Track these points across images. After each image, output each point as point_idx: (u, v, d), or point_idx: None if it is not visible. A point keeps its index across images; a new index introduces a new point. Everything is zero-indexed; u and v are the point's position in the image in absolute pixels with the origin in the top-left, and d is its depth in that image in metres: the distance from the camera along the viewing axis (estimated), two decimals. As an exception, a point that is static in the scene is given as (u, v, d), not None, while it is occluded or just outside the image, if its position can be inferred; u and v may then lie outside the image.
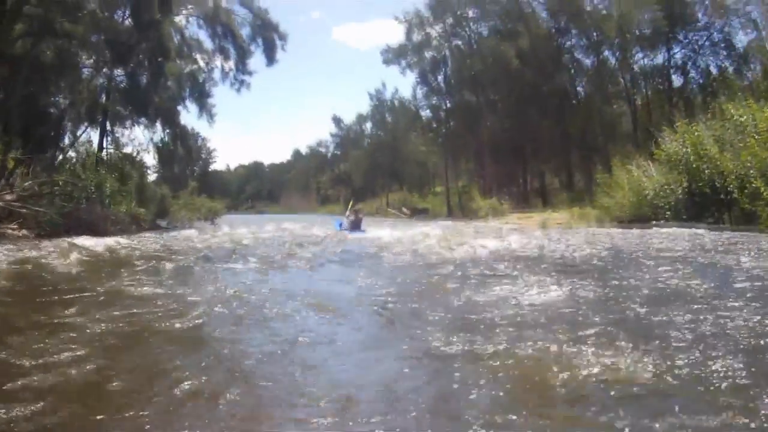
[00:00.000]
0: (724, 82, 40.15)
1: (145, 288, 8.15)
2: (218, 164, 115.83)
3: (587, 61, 52.07)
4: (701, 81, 47.04)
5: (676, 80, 49.16)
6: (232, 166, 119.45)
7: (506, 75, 51.29)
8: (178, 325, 5.77)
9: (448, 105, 58.50)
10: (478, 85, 54.43)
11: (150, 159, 40.54)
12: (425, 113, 63.75)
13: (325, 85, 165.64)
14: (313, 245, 17.31)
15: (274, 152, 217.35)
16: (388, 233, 21.58)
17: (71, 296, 7.43)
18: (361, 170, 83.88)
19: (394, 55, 58.13)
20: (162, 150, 39.66)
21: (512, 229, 24.79)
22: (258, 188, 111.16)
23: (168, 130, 39.07)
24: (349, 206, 29.95)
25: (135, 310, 6.42)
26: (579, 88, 53.47)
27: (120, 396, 3.83)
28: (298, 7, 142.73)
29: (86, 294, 7.70)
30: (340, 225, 25.68)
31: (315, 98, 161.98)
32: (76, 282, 9.28)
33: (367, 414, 3.46)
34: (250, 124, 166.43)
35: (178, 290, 7.96)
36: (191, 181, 68.74)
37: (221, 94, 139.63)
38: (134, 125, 37.11)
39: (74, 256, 12.81)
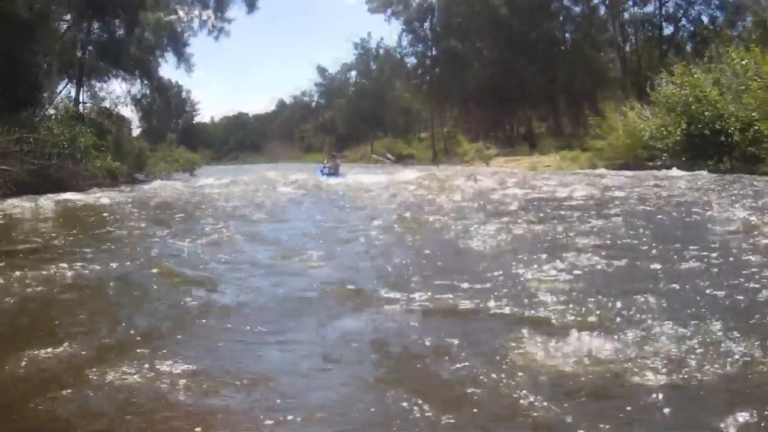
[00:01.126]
0: (715, 32, 39.72)
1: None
2: (203, 117, 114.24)
3: (576, 9, 51.34)
4: (692, 30, 46.70)
5: (667, 29, 48.59)
6: (217, 119, 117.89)
7: (493, 22, 50.29)
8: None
9: (434, 52, 57.32)
10: (464, 33, 53.37)
11: (128, 112, 39.65)
12: (410, 60, 62.59)
13: (310, 38, 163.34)
14: (287, 191, 17.31)
15: (259, 103, 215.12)
16: (369, 178, 21.31)
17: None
18: (345, 118, 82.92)
19: (379, 3, 56.65)
20: (140, 103, 38.72)
21: (494, 173, 24.22)
22: (242, 139, 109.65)
23: (146, 83, 38.00)
24: (329, 156, 30.50)
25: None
26: (567, 35, 52.66)
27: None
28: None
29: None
30: (321, 172, 26.25)
31: (300, 50, 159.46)
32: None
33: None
34: (236, 76, 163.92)
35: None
36: (170, 133, 67.65)
37: (206, 48, 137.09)
38: (110, 78, 35.95)
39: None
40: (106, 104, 35.95)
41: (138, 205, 14.39)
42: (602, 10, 49.80)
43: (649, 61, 45.69)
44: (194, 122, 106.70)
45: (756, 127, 18.88)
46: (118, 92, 39.02)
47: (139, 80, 37.60)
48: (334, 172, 25.34)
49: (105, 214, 12.54)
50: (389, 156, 57.82)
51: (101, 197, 16.51)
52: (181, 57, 39.57)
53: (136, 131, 40.66)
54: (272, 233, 8.74)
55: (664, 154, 22.60)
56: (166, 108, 73.14)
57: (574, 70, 47.86)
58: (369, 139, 74.96)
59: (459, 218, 9.05)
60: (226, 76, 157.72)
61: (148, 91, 38.95)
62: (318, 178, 24.60)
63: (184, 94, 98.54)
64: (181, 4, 39.64)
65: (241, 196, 16.33)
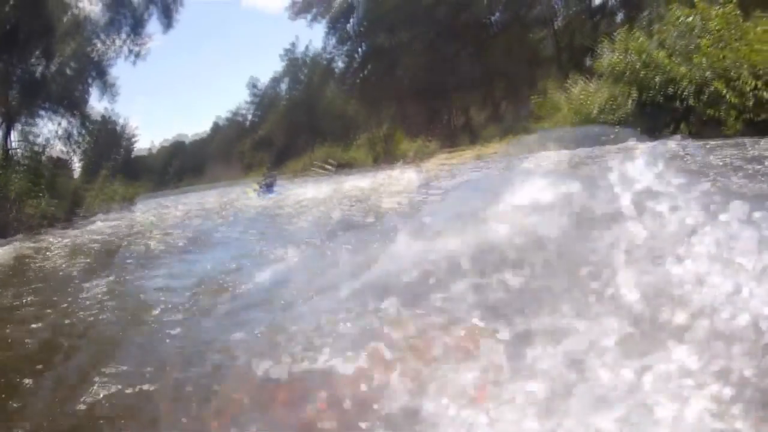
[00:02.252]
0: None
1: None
2: (143, 144, 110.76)
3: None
4: None
5: (596, -1, 47.21)
6: (157, 144, 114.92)
7: (419, 12, 48.69)
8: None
9: (362, 50, 55.57)
10: (390, 27, 51.69)
11: (63, 152, 37.51)
12: (339, 63, 60.83)
13: (240, 54, 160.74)
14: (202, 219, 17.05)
15: (197, 126, 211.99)
16: (301, 192, 20.72)
17: None
18: (281, 132, 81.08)
19: (300, 8, 54.75)
20: (71, 140, 36.53)
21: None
22: (182, 165, 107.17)
23: (73, 118, 35.71)
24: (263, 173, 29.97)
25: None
26: (495, 17, 51.34)
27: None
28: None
29: None
30: (260, 190, 25.85)
31: (232, 67, 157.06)
32: None
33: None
34: (172, 100, 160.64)
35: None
36: (103, 168, 64.75)
37: (145, 73, 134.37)
38: (38, 117, 33.72)
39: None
40: (40, 144, 33.96)
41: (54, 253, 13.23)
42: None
43: (581, 34, 44.89)
44: (133, 153, 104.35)
45: (711, 88, 17.36)
46: (49, 131, 36.71)
47: (67, 116, 35.36)
48: (268, 190, 25.11)
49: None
50: (330, 165, 55.55)
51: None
52: (105, 86, 37.21)
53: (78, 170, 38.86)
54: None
55: (616, 128, 21.02)
56: (96, 142, 70.31)
57: (507, 52, 46.67)
58: (307, 149, 73.04)
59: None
60: (165, 100, 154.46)
61: (76, 127, 36.72)
62: (246, 198, 24.40)
63: (120, 125, 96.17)
64: (95, 31, 37.27)
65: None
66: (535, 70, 46.48)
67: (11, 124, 31.57)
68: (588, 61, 33.80)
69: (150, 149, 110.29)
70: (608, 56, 22.89)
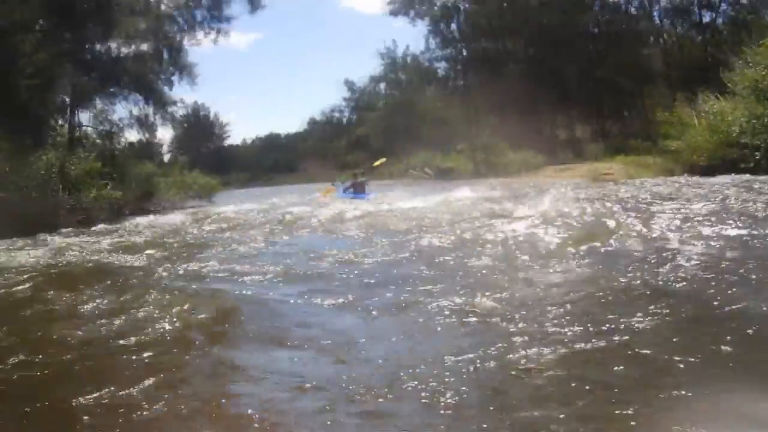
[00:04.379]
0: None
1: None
2: (234, 139, 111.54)
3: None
4: (732, 15, 44.41)
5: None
6: (249, 140, 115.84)
7: (526, 18, 47.06)
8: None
9: (465, 54, 54.02)
10: (495, 32, 50.08)
11: (134, 135, 36.40)
12: (440, 66, 59.31)
13: (336, 53, 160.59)
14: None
15: (290, 123, 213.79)
16: (407, 204, 17.30)
17: None
18: (377, 133, 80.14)
19: (401, 5, 53.53)
20: (146, 125, 35.56)
21: (573, 186, 20.20)
22: (276, 160, 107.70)
23: (148, 103, 34.77)
24: (350, 175, 27.07)
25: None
26: (597, 30, 50.12)
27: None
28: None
29: None
30: (344, 191, 24.07)
31: (327, 66, 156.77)
32: None
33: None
34: (268, 98, 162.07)
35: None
36: (180, 156, 64.79)
37: (237, 71, 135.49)
38: (107, 99, 32.89)
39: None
40: (113, 127, 33.08)
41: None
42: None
43: (690, 51, 43.07)
44: (225, 144, 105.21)
45: None
46: (122, 116, 35.64)
47: (141, 100, 34.56)
48: (358, 192, 23.11)
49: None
50: (428, 171, 54.36)
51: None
52: (182, 69, 36.12)
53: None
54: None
55: (756, 153, 18.99)
56: (185, 131, 70.41)
57: (615, 67, 44.66)
58: (404, 153, 71.97)
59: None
60: (258, 99, 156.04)
61: (154, 112, 35.79)
62: (340, 198, 22.69)
63: (212, 116, 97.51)
64: (169, 7, 36.04)
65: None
66: (643, 87, 44.57)
67: (77, 105, 30.85)
68: (702, 78, 31.82)
69: (242, 143, 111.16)
70: (748, 71, 20.83)
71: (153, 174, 31.73)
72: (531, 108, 48.78)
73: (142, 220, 19.61)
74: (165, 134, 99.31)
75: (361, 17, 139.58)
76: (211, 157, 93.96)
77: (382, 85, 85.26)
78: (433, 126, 73.37)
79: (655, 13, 45.95)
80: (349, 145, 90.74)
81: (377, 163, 29.77)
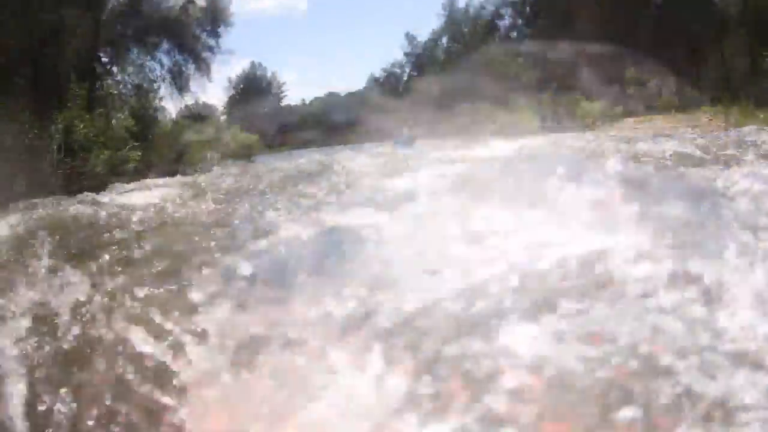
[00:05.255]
0: None
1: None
2: (295, 100, 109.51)
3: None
4: None
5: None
6: (308, 100, 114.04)
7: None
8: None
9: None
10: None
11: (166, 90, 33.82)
12: (504, 19, 55.83)
13: (396, 8, 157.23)
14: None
15: (352, 81, 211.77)
16: (449, 153, 14.88)
17: None
18: (439, 90, 78.08)
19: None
20: (179, 76, 33.04)
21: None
22: (335, 119, 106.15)
23: (182, 54, 32.25)
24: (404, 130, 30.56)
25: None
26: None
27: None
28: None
29: None
30: (396, 144, 27.27)
31: (388, 21, 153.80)
32: None
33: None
34: (325, 57, 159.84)
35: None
36: (219, 112, 61.72)
37: (293, 32, 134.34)
38: (135, 51, 30.43)
39: None
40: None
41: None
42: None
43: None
44: (282, 105, 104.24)
45: None
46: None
47: (174, 51, 32.10)
48: (407, 144, 26.50)
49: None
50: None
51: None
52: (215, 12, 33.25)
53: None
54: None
55: None
56: (241, 90, 67.62)
57: (690, 14, 40.97)
58: (465, 109, 69.19)
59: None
60: (318, 59, 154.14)
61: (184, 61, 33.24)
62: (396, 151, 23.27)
63: (269, 75, 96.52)
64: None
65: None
66: (720, 36, 40.93)
67: (105, 58, 28.50)
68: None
69: (302, 103, 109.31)
70: None
71: (180, 130, 29.29)
72: (602, 59, 45.25)
73: (154, 182, 17.19)
74: (219, 96, 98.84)
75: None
76: (267, 118, 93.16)
77: (443, 42, 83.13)
78: (496, 81, 70.52)
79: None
80: (410, 102, 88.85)
81: None
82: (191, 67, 33.95)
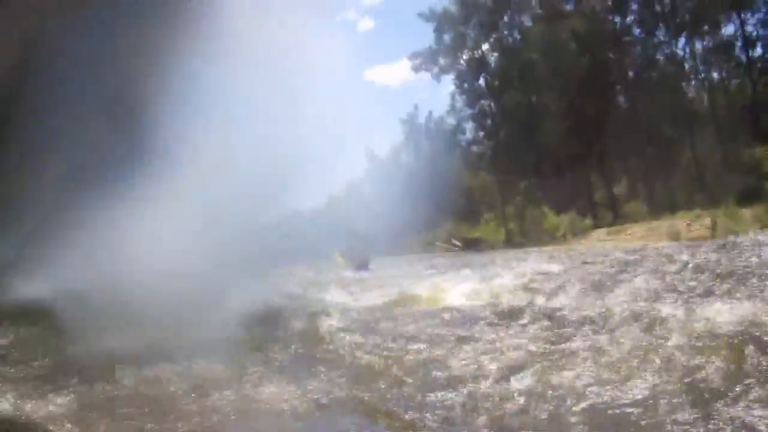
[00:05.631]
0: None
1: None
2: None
3: (654, 40, 44.36)
4: None
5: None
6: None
7: (560, 67, 42.43)
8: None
9: (494, 112, 49.43)
10: (527, 84, 45.57)
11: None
12: (466, 130, 54.86)
13: (358, 126, 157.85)
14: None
15: (314, 198, 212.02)
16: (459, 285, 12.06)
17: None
18: (400, 205, 76.58)
19: (423, 60, 49.37)
20: None
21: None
22: (297, 238, 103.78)
23: None
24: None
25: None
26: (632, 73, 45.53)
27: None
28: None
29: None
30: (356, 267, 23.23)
31: (350, 139, 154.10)
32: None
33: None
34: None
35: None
36: None
37: None
38: None
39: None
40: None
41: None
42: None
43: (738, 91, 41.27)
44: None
45: None
46: None
47: None
48: (362, 267, 22.81)
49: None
50: (455, 242, 49.17)
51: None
52: None
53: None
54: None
55: None
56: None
57: (659, 111, 40.23)
58: (429, 225, 67.31)
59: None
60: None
61: None
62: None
63: None
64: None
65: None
66: (690, 132, 40.05)
67: None
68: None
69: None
70: None
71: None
72: (568, 166, 43.82)
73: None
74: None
75: (383, 90, 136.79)
76: None
77: (404, 155, 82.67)
78: (459, 194, 69.16)
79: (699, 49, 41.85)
80: (370, 218, 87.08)
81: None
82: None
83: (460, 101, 51.76)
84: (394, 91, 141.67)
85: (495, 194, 51.76)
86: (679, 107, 40.49)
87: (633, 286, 9.59)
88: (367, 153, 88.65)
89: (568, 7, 44.66)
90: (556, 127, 42.95)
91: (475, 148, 54.68)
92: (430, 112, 76.41)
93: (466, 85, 49.76)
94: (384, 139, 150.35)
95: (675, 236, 19.76)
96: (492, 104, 48.87)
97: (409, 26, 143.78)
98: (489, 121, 49.98)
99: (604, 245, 22.61)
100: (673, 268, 10.66)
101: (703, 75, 43.50)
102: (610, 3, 42.00)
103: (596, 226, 33.67)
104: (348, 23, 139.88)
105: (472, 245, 44.76)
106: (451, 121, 57.47)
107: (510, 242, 40.54)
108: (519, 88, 46.09)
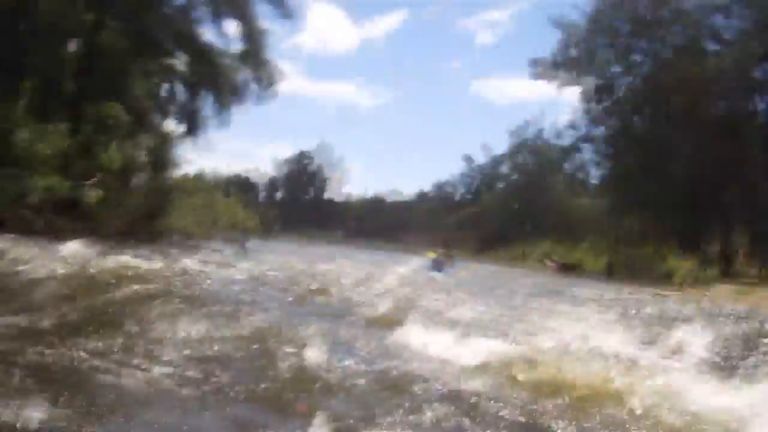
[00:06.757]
0: None
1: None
2: (338, 195, 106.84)
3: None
4: None
5: None
6: (353, 198, 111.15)
7: (697, 103, 38.47)
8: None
9: (615, 137, 45.68)
10: (659, 115, 41.70)
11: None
12: (585, 146, 50.88)
13: (458, 132, 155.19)
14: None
15: (401, 188, 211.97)
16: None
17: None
18: (494, 215, 74.12)
19: (546, 68, 45.63)
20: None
21: None
22: (377, 223, 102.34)
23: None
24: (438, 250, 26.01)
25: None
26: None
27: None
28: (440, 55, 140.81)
29: None
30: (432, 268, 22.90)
31: (446, 141, 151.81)
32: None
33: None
34: (378, 160, 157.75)
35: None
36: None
37: (354, 134, 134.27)
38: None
39: None
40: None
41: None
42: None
43: None
44: (324, 198, 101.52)
45: None
46: None
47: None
48: (438, 267, 22.56)
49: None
50: (550, 262, 45.79)
51: None
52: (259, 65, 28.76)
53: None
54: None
55: None
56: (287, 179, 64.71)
57: None
58: (520, 240, 64.44)
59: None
60: (370, 160, 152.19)
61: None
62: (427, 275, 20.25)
63: (314, 166, 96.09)
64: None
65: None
66: None
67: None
68: None
69: (346, 199, 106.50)
70: None
71: (170, 190, 23.78)
72: (692, 209, 39.58)
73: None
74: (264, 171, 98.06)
75: (491, 105, 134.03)
76: (307, 208, 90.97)
77: (504, 167, 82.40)
78: (559, 215, 65.69)
79: None
80: (458, 222, 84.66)
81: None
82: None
83: (585, 119, 47.63)
84: (500, 107, 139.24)
85: (601, 221, 48.00)
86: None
87: None
88: (465, 158, 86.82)
89: (713, 47, 40.68)
90: (690, 164, 38.82)
91: (588, 170, 51.06)
92: (542, 129, 73.86)
93: (593, 104, 45.84)
94: (480, 149, 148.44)
95: None
96: (620, 127, 44.99)
97: (529, 46, 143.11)
98: (612, 145, 46.03)
99: (734, 305, 18.98)
100: None
101: None
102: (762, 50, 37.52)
103: (721, 279, 29.88)
104: (468, 33, 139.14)
105: (568, 270, 41.18)
106: (566, 138, 53.51)
107: (611, 275, 36.92)
108: (652, 116, 42.42)
